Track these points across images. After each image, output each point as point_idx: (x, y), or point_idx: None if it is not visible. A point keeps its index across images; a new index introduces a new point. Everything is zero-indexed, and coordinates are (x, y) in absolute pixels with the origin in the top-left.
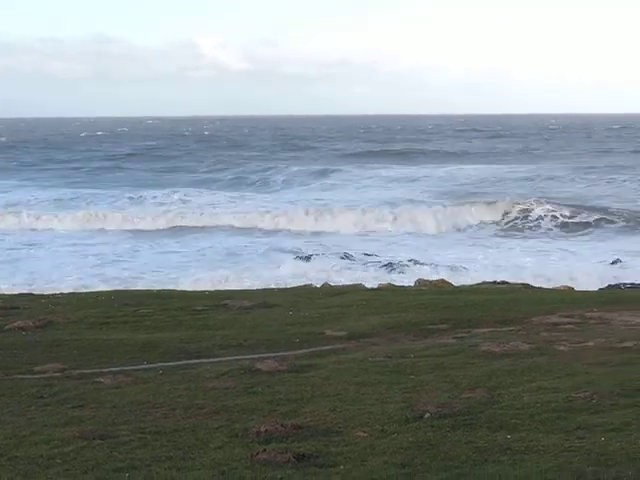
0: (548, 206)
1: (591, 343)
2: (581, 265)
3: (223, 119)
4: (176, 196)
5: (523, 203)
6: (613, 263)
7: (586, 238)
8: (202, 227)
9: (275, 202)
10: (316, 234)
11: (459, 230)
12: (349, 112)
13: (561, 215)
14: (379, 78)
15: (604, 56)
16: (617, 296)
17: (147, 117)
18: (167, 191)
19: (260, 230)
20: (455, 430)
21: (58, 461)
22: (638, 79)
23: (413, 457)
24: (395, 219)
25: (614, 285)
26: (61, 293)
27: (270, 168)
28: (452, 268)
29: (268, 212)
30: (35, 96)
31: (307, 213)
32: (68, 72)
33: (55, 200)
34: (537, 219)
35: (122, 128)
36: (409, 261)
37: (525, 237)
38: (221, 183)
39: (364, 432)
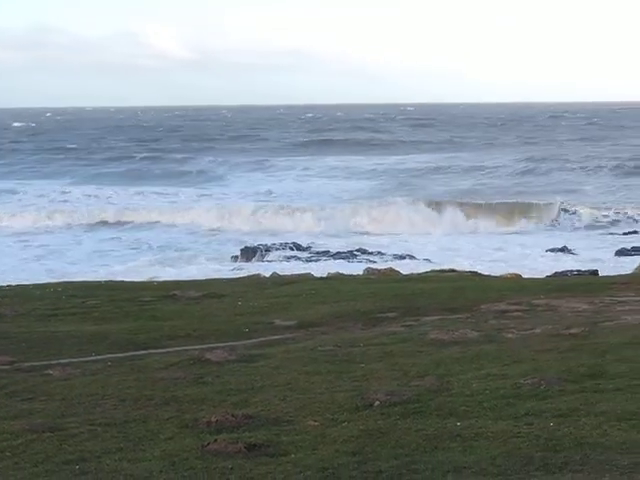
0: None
1: (538, 330)
2: None
3: (168, 109)
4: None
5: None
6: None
7: None
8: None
9: (216, 196)
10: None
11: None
12: (299, 102)
13: None
14: (329, 68)
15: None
16: (564, 283)
17: (90, 107)
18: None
19: (202, 226)
20: (405, 418)
21: (7, 454)
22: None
23: (364, 445)
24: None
25: (561, 272)
26: (8, 285)
27: (197, 160)
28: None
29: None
30: None
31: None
32: (8, 62)
33: None
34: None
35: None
36: (357, 250)
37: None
38: (154, 175)
39: (315, 421)
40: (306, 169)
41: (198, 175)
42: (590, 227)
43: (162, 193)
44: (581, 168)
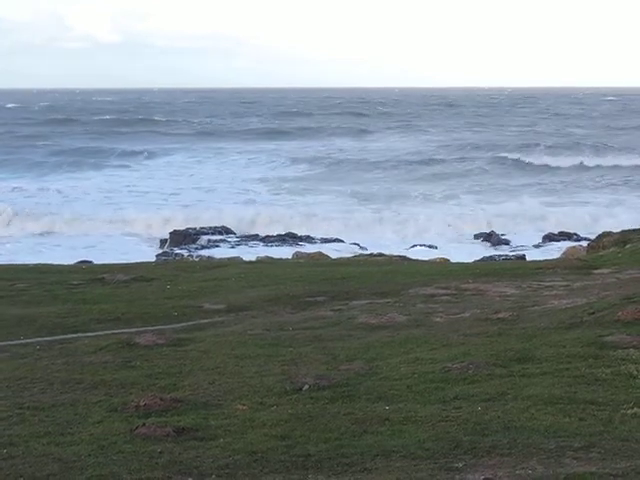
0: None
1: (467, 314)
2: None
3: (92, 92)
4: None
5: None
6: None
7: None
8: None
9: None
10: None
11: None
12: (222, 85)
13: None
14: (249, 51)
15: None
16: (491, 268)
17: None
18: None
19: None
20: (334, 402)
21: None
22: None
23: (293, 429)
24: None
25: (488, 257)
26: None
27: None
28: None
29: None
30: None
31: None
32: None
33: None
34: None
35: None
36: (286, 235)
37: None
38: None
39: (243, 405)
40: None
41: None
42: None
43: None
44: None
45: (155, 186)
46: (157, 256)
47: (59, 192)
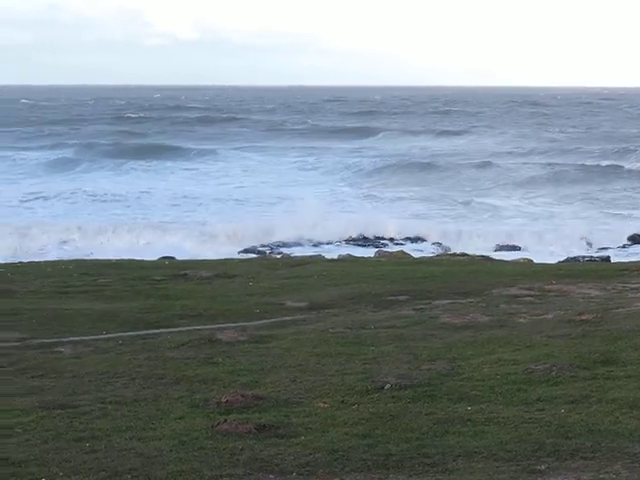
0: None
1: (550, 315)
2: None
3: (169, 88)
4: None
5: None
6: None
7: None
8: None
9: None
10: None
11: None
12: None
13: None
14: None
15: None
16: (575, 269)
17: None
18: None
19: None
20: (415, 401)
21: (18, 431)
22: None
23: (374, 428)
24: None
25: (573, 258)
26: (20, 262)
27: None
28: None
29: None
30: None
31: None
32: (14, 40)
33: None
34: None
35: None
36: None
37: None
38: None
39: (325, 403)
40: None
41: None
42: None
43: None
44: None
45: (241, 187)
46: (239, 253)
47: (142, 194)
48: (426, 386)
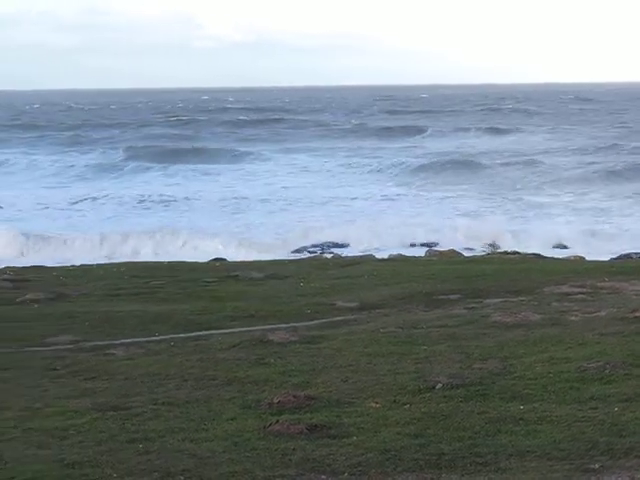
0: None
1: (603, 313)
2: None
3: (220, 90)
4: None
5: None
6: None
7: None
8: None
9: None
10: None
11: None
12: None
13: None
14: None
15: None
16: (628, 266)
17: (142, 89)
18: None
19: None
20: (468, 401)
21: (72, 432)
22: None
23: (426, 428)
24: None
25: (625, 255)
26: (72, 265)
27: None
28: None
29: None
30: (33, 69)
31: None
32: (60, 44)
33: None
34: None
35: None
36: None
37: None
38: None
39: (376, 403)
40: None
41: None
42: None
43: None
44: None
45: (293, 190)
46: (290, 253)
47: (191, 196)
48: (478, 385)
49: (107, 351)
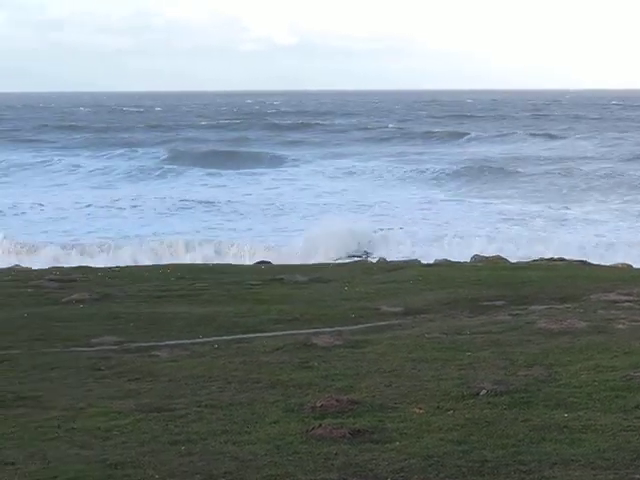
0: None
1: None
2: None
3: (265, 94)
4: None
5: None
6: None
7: None
8: None
9: None
10: None
11: None
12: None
13: None
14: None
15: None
16: None
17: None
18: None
19: None
20: (512, 408)
21: (115, 433)
22: None
23: (469, 434)
24: None
25: None
26: (117, 266)
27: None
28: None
29: None
30: (82, 71)
31: None
32: (114, 46)
33: None
34: None
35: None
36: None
37: None
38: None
39: (420, 408)
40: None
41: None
42: None
43: None
44: None
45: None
46: (335, 257)
47: (236, 200)
48: (522, 392)
49: (151, 352)
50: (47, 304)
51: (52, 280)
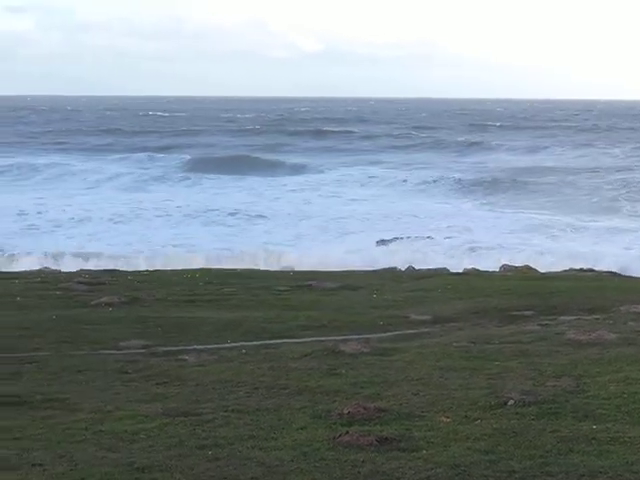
0: None
1: None
2: None
3: (292, 100)
4: None
5: None
6: None
7: None
8: None
9: None
10: None
11: None
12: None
13: None
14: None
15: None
16: None
17: (211, 97)
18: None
19: None
20: (540, 418)
21: (142, 436)
22: None
23: (497, 444)
24: None
25: None
26: (147, 270)
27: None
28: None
29: None
30: (113, 75)
31: None
32: (145, 51)
33: None
34: None
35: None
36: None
37: None
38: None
39: (447, 417)
40: None
41: None
42: None
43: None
44: None
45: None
46: (364, 265)
47: (263, 209)
48: (551, 403)
49: (179, 357)
50: (76, 307)
51: (81, 283)
